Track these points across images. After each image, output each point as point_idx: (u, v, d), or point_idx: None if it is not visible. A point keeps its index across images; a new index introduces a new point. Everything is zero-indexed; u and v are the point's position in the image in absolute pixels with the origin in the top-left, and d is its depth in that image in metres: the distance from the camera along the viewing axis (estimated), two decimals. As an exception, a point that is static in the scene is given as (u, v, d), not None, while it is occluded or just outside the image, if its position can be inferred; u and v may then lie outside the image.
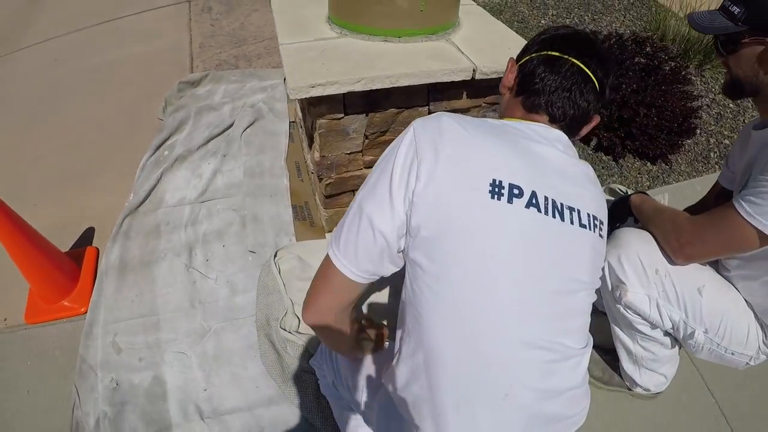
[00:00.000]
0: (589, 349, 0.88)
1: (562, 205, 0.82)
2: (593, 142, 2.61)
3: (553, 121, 0.95)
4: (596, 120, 1.01)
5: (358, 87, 1.41)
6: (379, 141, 1.70)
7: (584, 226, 0.84)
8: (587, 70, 0.93)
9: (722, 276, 1.25)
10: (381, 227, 0.80)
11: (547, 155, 0.87)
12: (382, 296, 1.71)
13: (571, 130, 0.97)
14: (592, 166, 2.33)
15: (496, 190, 0.78)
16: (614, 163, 2.54)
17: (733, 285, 1.24)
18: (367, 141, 1.67)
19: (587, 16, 3.69)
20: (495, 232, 0.77)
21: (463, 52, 1.58)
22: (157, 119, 2.79)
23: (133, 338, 1.65)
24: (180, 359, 1.56)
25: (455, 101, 1.66)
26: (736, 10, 1.04)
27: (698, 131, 2.74)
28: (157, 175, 2.25)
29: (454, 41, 1.67)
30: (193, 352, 1.59)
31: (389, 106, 1.59)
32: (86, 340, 1.66)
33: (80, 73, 3.37)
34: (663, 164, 2.56)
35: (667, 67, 2.51)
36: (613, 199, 1.45)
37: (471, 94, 1.65)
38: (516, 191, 0.79)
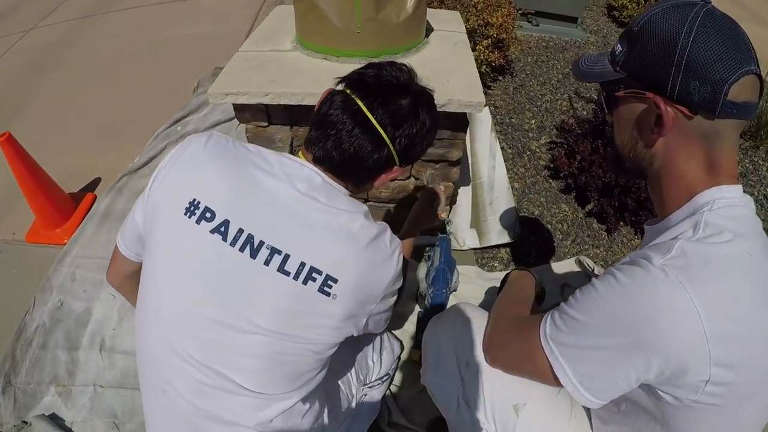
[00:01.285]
0: (292, 401, 0.87)
1: (261, 243, 0.80)
2: (589, 205, 2.40)
3: (316, 161, 0.89)
4: (393, 172, 0.95)
5: (266, 100, 1.57)
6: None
7: (286, 273, 0.80)
8: (368, 113, 0.85)
9: (595, 424, 0.94)
10: (136, 216, 0.94)
11: (274, 191, 0.83)
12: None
13: (343, 175, 0.91)
14: (581, 233, 2.39)
15: (192, 209, 0.82)
16: (606, 234, 2.34)
17: None
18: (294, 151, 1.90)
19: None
20: (172, 245, 0.84)
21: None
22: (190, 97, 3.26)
23: (87, 273, 2.08)
24: (108, 300, 1.97)
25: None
26: (618, 48, 0.77)
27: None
28: (162, 146, 2.68)
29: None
30: (119, 297, 1.99)
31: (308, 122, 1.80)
32: (57, 265, 2.12)
33: (151, 42, 3.94)
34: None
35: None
36: (578, 270, 1.36)
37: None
38: (208, 215, 0.81)
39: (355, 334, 0.91)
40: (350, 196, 0.93)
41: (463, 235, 2.23)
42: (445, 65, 1.81)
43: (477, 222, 2.28)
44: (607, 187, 2.24)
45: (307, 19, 1.70)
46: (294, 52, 1.81)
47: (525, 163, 2.71)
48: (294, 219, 0.83)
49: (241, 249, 0.80)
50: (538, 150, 2.79)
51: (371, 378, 1.41)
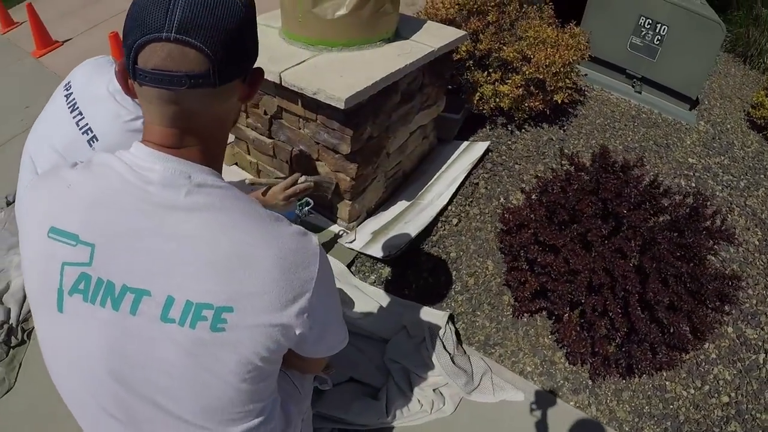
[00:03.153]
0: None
1: (78, 107, 1.02)
2: (509, 273, 2.08)
3: None
4: None
5: None
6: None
7: (78, 125, 1.01)
8: None
9: None
10: None
11: (96, 84, 1.34)
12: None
13: None
14: (482, 298, 2.20)
15: (66, 86, 1.35)
16: (511, 317, 2.03)
17: None
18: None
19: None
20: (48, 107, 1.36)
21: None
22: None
23: None
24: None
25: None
26: None
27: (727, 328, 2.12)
28: None
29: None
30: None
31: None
32: None
33: None
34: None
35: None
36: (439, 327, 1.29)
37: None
38: (69, 89, 1.24)
39: None
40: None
41: (360, 235, 2.23)
42: (361, 65, 1.86)
43: (380, 231, 2.25)
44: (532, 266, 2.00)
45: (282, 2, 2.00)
46: (274, 30, 2.11)
47: (487, 208, 2.53)
48: (96, 102, 1.29)
49: (68, 106, 1.12)
50: (513, 200, 2.58)
51: None
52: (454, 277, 2.22)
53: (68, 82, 1.39)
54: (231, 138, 2.43)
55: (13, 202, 2.42)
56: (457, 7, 2.94)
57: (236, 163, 2.55)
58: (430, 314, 1.99)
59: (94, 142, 1.31)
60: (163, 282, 0.66)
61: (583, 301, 1.76)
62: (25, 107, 3.47)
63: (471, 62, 2.91)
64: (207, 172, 0.71)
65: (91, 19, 4.69)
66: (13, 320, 1.87)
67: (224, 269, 0.66)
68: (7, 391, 1.74)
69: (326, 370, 1.34)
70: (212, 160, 0.74)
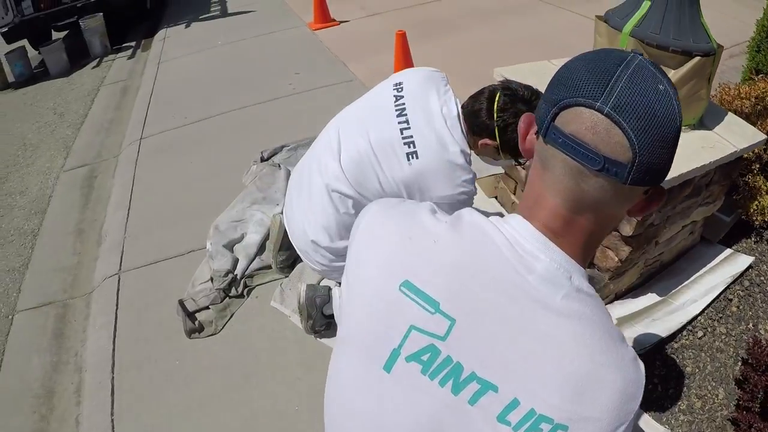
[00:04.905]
0: None
1: (406, 114, 1.25)
2: None
3: (462, 106, 1.44)
4: (488, 140, 1.32)
5: None
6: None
7: (401, 132, 1.17)
8: (496, 95, 1.35)
9: None
10: None
11: (431, 101, 1.42)
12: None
13: (467, 121, 1.42)
14: None
15: (397, 85, 1.47)
16: None
17: None
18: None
19: None
20: (376, 90, 1.54)
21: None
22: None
23: None
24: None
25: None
26: None
27: None
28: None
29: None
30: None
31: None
32: None
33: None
34: None
35: None
36: None
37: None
38: (400, 88, 1.44)
39: None
40: (463, 135, 1.40)
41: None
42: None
43: (625, 320, 2.00)
44: None
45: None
46: None
47: (734, 330, 2.08)
48: (427, 119, 1.38)
49: (396, 108, 1.35)
50: (762, 329, 2.06)
51: None
52: (682, 394, 1.90)
53: (399, 83, 1.42)
54: (499, 170, 2.37)
55: (268, 159, 2.72)
56: (753, 100, 2.47)
57: (496, 197, 2.54)
58: (650, 426, 1.74)
59: (412, 158, 1.33)
60: (515, 382, 0.59)
61: None
62: (295, 73, 3.90)
63: (757, 165, 2.42)
64: (583, 275, 0.63)
65: (368, 8, 5.09)
66: (239, 272, 2.07)
67: (576, 386, 0.59)
68: (212, 335, 1.93)
69: None
70: (584, 260, 0.65)
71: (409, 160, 1.33)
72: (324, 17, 4.76)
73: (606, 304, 2.11)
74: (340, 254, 1.56)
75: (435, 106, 1.33)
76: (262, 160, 2.71)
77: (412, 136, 1.32)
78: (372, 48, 4.17)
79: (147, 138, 3.43)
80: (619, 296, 2.16)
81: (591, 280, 1.42)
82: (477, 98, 1.38)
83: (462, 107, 1.40)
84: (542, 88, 0.68)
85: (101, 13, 5.40)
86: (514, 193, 2.37)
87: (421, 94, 1.38)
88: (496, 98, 1.33)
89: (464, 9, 4.95)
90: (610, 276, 1.93)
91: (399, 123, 1.34)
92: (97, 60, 5.43)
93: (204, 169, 2.92)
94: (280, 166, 2.59)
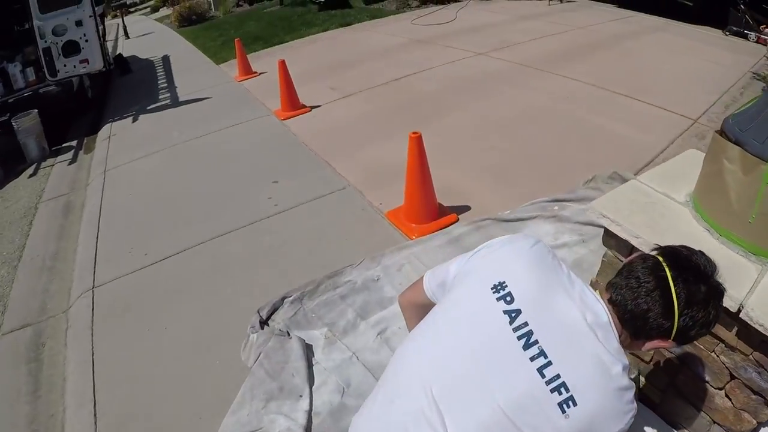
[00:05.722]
0: None
1: (535, 341, 0.94)
2: None
3: (611, 302, 1.02)
4: (665, 342, 0.99)
5: (633, 242, 1.50)
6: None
7: (541, 375, 0.91)
8: (671, 282, 0.95)
9: None
10: (451, 268, 1.15)
11: (566, 310, 0.98)
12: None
13: (626, 323, 1.00)
14: None
15: (498, 287, 1.00)
16: None
17: None
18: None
19: None
20: (468, 307, 1.03)
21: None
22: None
23: (413, 273, 2.29)
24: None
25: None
26: None
27: None
28: (533, 214, 2.62)
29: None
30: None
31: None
32: (395, 250, 2.49)
33: (569, 117, 4.00)
34: None
35: None
36: None
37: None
38: (508, 298, 0.98)
39: None
40: (620, 344, 0.99)
41: None
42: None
43: None
44: None
45: (709, 182, 1.50)
46: (683, 208, 1.63)
47: None
48: (570, 339, 0.95)
49: (519, 338, 0.94)
50: None
51: None
52: None
53: (501, 284, 1.01)
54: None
55: (267, 320, 2.17)
56: None
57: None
58: None
59: (568, 408, 0.90)
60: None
61: None
62: (273, 182, 3.39)
63: None
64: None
65: (339, 88, 4.72)
66: None
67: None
68: None
69: None
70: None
71: (564, 411, 0.91)
72: (292, 104, 4.33)
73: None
74: None
75: (572, 313, 0.97)
76: (261, 323, 2.16)
77: (558, 376, 0.91)
78: (355, 139, 3.77)
79: (100, 287, 2.78)
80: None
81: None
82: (637, 290, 0.97)
83: (611, 302, 1.01)
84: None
85: (36, 110, 4.75)
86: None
87: (544, 300, 0.99)
88: (671, 287, 0.94)
89: (442, 82, 4.67)
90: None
91: (532, 361, 0.92)
92: (34, 166, 4.76)
93: (186, 339, 2.30)
94: (289, 334, 2.06)
